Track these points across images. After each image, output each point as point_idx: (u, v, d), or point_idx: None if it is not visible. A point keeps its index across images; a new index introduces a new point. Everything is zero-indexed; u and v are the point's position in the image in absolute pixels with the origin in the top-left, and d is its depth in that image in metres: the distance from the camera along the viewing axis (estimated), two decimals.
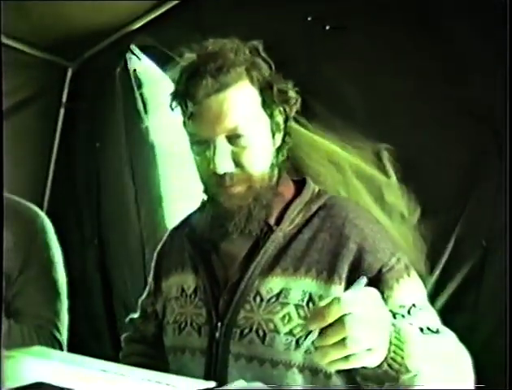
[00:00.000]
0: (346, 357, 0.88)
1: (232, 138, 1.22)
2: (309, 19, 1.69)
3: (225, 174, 1.23)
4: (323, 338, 0.88)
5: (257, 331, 1.21)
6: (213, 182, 1.26)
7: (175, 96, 1.29)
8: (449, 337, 1.16)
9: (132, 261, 2.42)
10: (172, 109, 1.30)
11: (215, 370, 1.24)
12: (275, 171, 1.31)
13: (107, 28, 2.37)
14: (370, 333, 0.89)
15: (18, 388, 0.77)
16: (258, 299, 1.23)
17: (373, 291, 0.96)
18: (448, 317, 1.25)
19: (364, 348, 0.89)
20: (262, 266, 1.26)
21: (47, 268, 1.70)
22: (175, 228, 1.52)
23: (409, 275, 1.21)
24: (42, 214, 1.78)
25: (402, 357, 0.96)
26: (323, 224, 1.27)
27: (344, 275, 1.19)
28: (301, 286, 1.21)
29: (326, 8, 1.66)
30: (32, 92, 2.55)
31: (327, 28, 1.65)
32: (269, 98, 1.26)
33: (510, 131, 1.24)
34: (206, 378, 1.23)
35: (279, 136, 1.31)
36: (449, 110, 1.47)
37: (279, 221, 1.29)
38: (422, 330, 1.14)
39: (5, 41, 2.38)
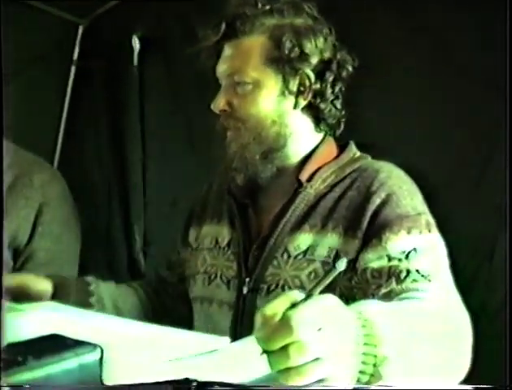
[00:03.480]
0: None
1: (240, 84, 1.27)
2: None
3: (222, 115, 1.30)
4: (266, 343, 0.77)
5: (283, 288, 1.23)
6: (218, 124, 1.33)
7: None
8: (434, 302, 1.08)
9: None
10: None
11: (242, 324, 1.26)
12: (288, 131, 1.31)
13: None
14: (321, 342, 0.76)
15: (31, 341, 0.77)
16: (285, 255, 1.26)
17: (330, 297, 0.84)
18: None
19: (311, 358, 0.76)
20: (292, 222, 1.28)
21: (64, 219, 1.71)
22: (216, 179, 1.52)
23: (429, 231, 1.20)
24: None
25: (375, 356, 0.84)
26: (353, 183, 1.28)
27: (364, 229, 1.20)
28: (327, 242, 1.23)
29: None
30: (44, 48, 2.52)
31: None
32: (284, 57, 1.27)
33: (510, 131, 1.25)
34: (232, 330, 1.26)
35: (301, 99, 1.30)
36: None
37: (311, 179, 1.30)
38: (409, 272, 1.12)
39: None
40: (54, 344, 0.75)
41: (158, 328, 1.09)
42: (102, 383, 0.75)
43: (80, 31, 2.60)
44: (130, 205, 2.50)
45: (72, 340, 0.77)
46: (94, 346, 0.75)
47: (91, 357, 0.74)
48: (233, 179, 1.33)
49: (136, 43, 2.44)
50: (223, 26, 1.30)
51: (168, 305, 1.53)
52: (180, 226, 1.55)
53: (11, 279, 1.27)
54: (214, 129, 1.35)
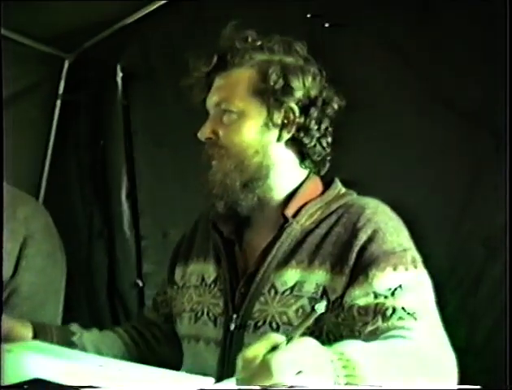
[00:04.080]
0: None
1: (226, 113, 1.31)
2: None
3: (207, 143, 1.33)
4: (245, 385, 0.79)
5: (270, 324, 1.22)
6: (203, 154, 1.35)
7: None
8: (419, 342, 1.07)
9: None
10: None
11: (229, 361, 1.25)
12: (270, 162, 1.32)
13: (105, 20, 2.36)
14: (300, 385, 0.78)
15: (16, 385, 0.76)
16: (272, 292, 1.25)
17: (309, 340, 0.85)
18: None
19: None
20: (279, 259, 1.28)
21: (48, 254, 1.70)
22: (202, 216, 1.52)
23: (415, 267, 1.21)
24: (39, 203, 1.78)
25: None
26: (340, 219, 1.28)
27: (351, 266, 1.20)
28: (314, 279, 1.23)
29: None
30: (29, 83, 2.54)
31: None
32: (269, 89, 1.30)
33: (510, 130, 1.25)
34: (220, 368, 1.26)
35: (284, 132, 1.32)
36: None
37: (296, 214, 1.31)
38: (395, 310, 1.13)
39: (2, 31, 2.37)
40: (39, 388, 0.75)
41: (143, 368, 1.08)
42: None
43: (66, 65, 2.61)
44: (115, 239, 2.50)
45: (55, 384, 0.76)
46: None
47: None
48: (214, 207, 1.33)
49: (120, 77, 2.46)
50: (215, 58, 1.34)
51: (154, 347, 1.52)
52: (169, 263, 1.54)
53: None
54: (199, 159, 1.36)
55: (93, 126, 2.56)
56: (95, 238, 2.53)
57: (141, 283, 2.40)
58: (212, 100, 1.35)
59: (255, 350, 0.79)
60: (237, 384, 0.79)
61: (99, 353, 1.40)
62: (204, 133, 1.33)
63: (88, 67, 2.57)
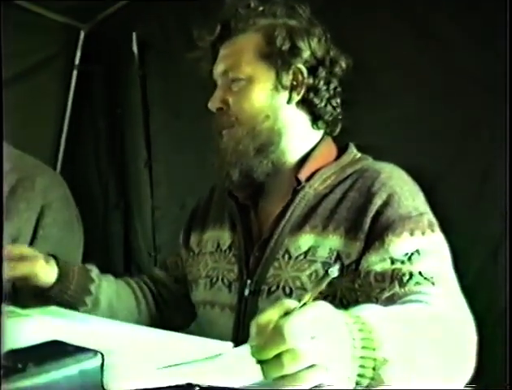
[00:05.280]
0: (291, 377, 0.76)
1: (235, 81, 1.30)
2: None
3: (217, 113, 1.33)
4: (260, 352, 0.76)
5: (283, 289, 1.22)
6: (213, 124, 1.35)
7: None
8: (437, 306, 1.05)
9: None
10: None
11: (244, 327, 1.25)
12: (282, 126, 1.31)
13: None
14: (315, 349, 0.75)
15: (31, 347, 0.76)
16: (286, 257, 1.25)
17: (323, 304, 0.82)
18: None
19: (306, 365, 0.75)
20: (292, 223, 1.27)
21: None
22: (217, 185, 1.52)
23: (432, 231, 1.19)
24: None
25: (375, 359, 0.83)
26: (354, 184, 1.27)
27: (366, 231, 1.19)
28: (328, 244, 1.22)
29: None
30: (46, 54, 2.54)
31: None
32: (276, 52, 1.29)
33: (510, 129, 1.24)
34: (234, 333, 1.27)
35: (294, 94, 1.31)
36: None
37: (310, 178, 1.30)
38: (412, 275, 1.11)
39: (19, 2, 2.37)
40: (55, 351, 0.74)
41: (160, 333, 1.08)
42: None
43: (82, 35, 2.60)
44: (132, 210, 2.50)
45: (73, 346, 0.76)
46: (95, 352, 0.74)
47: (92, 364, 0.73)
48: (228, 175, 1.32)
49: (136, 47, 2.45)
50: (219, 27, 1.34)
51: (162, 309, 1.53)
52: (184, 227, 1.54)
53: (21, 267, 1.26)
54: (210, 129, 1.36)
55: (110, 96, 2.56)
56: (111, 209, 2.55)
57: (153, 254, 2.41)
58: (219, 69, 1.34)
59: (268, 316, 0.78)
60: (251, 351, 0.78)
61: (111, 307, 1.41)
62: (214, 103, 1.32)
63: (104, 37, 2.56)
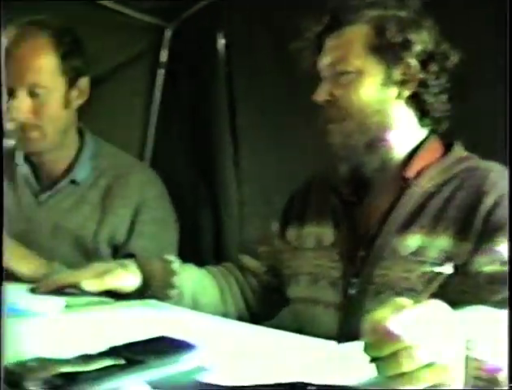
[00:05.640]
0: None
1: (343, 73, 1.28)
2: None
3: (324, 106, 1.31)
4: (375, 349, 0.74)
5: (392, 289, 1.20)
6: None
7: None
8: None
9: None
10: None
11: (349, 326, 1.24)
12: (391, 121, 1.29)
13: None
14: (431, 347, 0.73)
15: (146, 341, 0.78)
16: (394, 256, 1.22)
17: (438, 303, 0.81)
18: None
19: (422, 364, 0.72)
20: (399, 222, 1.25)
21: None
22: (316, 178, 1.51)
23: None
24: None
25: None
26: (463, 183, 1.24)
27: (477, 231, 1.16)
28: (437, 244, 1.19)
29: None
30: (132, 53, 2.58)
31: None
32: (387, 45, 1.27)
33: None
34: (339, 332, 1.25)
35: (404, 89, 1.29)
36: None
37: (417, 176, 1.27)
38: None
39: (105, 3, 2.42)
40: (168, 345, 0.76)
41: (264, 330, 1.09)
42: (216, 386, 0.75)
43: (168, 34, 2.64)
44: (220, 205, 2.52)
45: (184, 341, 0.77)
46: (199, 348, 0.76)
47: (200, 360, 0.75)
48: (336, 170, 1.32)
49: (221, 45, 2.47)
50: (327, 17, 1.32)
51: (248, 298, 1.52)
52: (278, 219, 1.53)
53: (105, 284, 1.29)
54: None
55: (196, 94, 2.58)
56: (201, 205, 2.57)
57: None
58: (325, 61, 1.32)
59: (382, 313, 0.77)
60: (365, 348, 0.77)
61: (195, 298, 1.42)
62: (321, 96, 1.31)
63: (189, 35, 2.58)
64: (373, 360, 0.75)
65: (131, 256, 1.42)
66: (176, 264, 1.44)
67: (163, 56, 2.64)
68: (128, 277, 1.34)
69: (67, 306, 1.21)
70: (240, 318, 1.46)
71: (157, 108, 2.67)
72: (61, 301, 1.21)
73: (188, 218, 2.49)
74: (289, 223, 1.49)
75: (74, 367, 0.65)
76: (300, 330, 1.31)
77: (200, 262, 2.11)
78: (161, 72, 2.65)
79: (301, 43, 1.37)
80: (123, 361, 0.68)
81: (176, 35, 2.64)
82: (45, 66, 1.60)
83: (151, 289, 1.36)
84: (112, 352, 0.71)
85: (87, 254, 1.68)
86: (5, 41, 1.59)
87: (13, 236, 1.54)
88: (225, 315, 1.44)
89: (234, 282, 1.52)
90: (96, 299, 1.30)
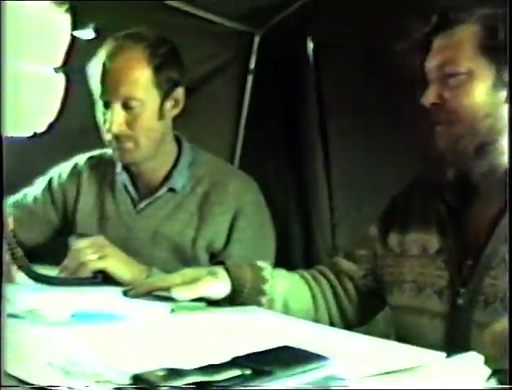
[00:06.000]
0: None
1: (452, 75, 1.25)
2: None
3: (431, 109, 1.28)
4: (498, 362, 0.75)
5: (501, 301, 1.16)
6: None
7: None
8: None
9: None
10: None
11: (456, 337, 1.21)
12: (501, 125, 1.24)
13: None
14: None
15: (263, 352, 0.77)
16: (503, 266, 1.18)
17: None
18: None
19: None
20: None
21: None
22: (417, 182, 1.48)
23: None
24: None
25: None
26: None
27: None
28: None
29: None
30: (222, 59, 2.61)
31: None
32: (499, 46, 1.22)
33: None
34: (446, 343, 1.22)
35: None
36: None
37: None
38: None
39: (195, 11, 2.46)
40: (293, 356, 0.75)
41: (372, 339, 1.07)
42: None
43: (256, 40, 2.66)
44: (310, 211, 2.52)
45: (307, 351, 0.77)
46: (325, 358, 0.75)
47: (326, 370, 0.74)
48: (442, 175, 1.29)
49: (311, 49, 2.47)
50: (435, 17, 1.29)
51: (342, 302, 1.48)
52: (377, 223, 1.50)
53: (196, 291, 1.29)
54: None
55: (285, 99, 2.59)
56: (290, 211, 2.57)
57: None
58: (434, 62, 1.29)
59: (504, 325, 0.75)
60: (486, 361, 0.75)
61: (286, 304, 1.41)
62: (429, 98, 1.27)
63: (278, 40, 2.59)
64: (494, 372, 0.73)
65: (221, 263, 1.42)
66: (268, 270, 1.43)
67: (252, 62, 2.66)
68: (217, 285, 1.33)
69: (172, 310, 1.22)
70: (332, 324, 1.44)
71: (245, 115, 2.69)
72: (167, 305, 1.23)
73: (278, 223, 2.50)
74: (390, 228, 1.45)
75: (203, 377, 0.66)
76: (400, 338, 1.30)
77: (291, 267, 2.11)
78: (249, 79, 2.67)
79: (407, 43, 1.34)
80: (249, 372, 0.68)
81: (264, 41, 2.66)
82: (140, 79, 1.62)
83: (242, 296, 1.36)
84: (236, 362, 0.71)
85: (185, 261, 1.69)
86: (102, 55, 1.63)
87: (112, 242, 1.57)
88: (317, 320, 1.42)
89: (328, 286, 1.50)
90: (201, 304, 1.31)
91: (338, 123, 2.43)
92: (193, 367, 0.69)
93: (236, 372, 0.68)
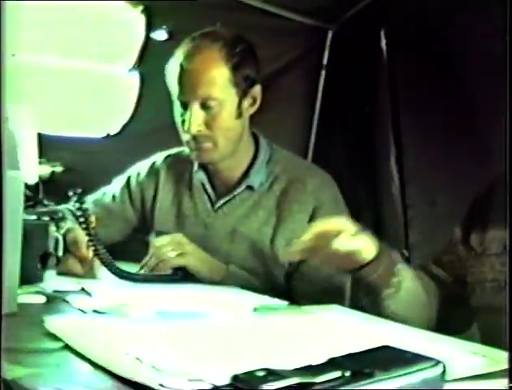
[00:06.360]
0: None
1: None
2: None
3: None
4: None
5: None
6: None
7: None
8: None
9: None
10: None
11: None
12: None
13: None
14: None
15: (361, 353, 0.75)
16: None
17: None
18: None
19: None
20: None
21: None
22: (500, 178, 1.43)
23: None
24: None
25: None
26: None
27: None
28: None
29: None
30: (295, 55, 2.60)
31: None
32: None
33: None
34: None
35: None
36: None
37: None
38: None
39: (267, 8, 2.46)
40: (393, 357, 0.73)
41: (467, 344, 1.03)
42: None
43: (330, 35, 2.63)
44: (382, 207, 2.48)
45: (409, 352, 0.74)
46: (436, 361, 0.72)
47: (433, 372, 0.71)
48: None
49: (384, 44, 2.43)
50: None
51: (440, 306, 1.43)
52: (460, 225, 1.46)
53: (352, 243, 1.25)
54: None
55: (358, 93, 2.56)
56: (362, 207, 2.54)
57: (407, 254, 2.36)
58: None
59: None
60: None
61: (409, 293, 1.35)
62: None
63: (351, 35, 2.57)
64: None
65: None
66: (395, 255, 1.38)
67: (324, 58, 2.64)
68: (370, 245, 1.29)
69: (255, 309, 1.22)
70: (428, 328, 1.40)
71: (318, 111, 2.67)
72: (250, 304, 1.23)
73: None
74: (472, 226, 1.42)
75: (303, 379, 0.64)
76: (484, 339, 1.26)
77: None
78: (322, 74, 2.65)
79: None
80: (348, 373, 0.66)
81: (337, 36, 2.63)
82: (218, 78, 1.62)
83: (377, 272, 1.29)
84: (335, 363, 0.69)
85: (263, 258, 1.69)
86: (179, 56, 1.63)
87: (190, 240, 1.58)
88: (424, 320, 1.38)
89: (433, 288, 1.45)
90: (283, 304, 1.30)
91: (411, 118, 2.38)
92: (291, 368, 0.68)
93: (336, 374, 0.66)
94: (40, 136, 1.41)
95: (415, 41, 2.35)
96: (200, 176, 1.77)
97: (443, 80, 2.20)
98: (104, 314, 1.11)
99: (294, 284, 1.68)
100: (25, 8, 2.13)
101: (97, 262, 1.45)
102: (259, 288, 1.57)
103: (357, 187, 2.57)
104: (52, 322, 0.97)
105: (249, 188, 1.72)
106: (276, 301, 1.34)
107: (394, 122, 2.42)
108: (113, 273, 1.43)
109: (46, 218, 1.36)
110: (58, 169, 1.42)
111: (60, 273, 1.43)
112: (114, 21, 2.47)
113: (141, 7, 2.37)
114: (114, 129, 2.50)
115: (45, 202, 1.40)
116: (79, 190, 1.42)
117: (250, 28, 2.09)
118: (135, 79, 2.50)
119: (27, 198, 1.20)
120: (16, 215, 1.08)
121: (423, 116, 2.33)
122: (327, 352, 0.75)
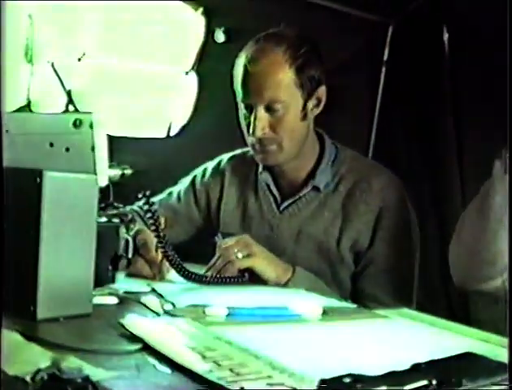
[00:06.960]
0: None
1: None
2: None
3: None
4: None
5: None
6: None
7: None
8: None
9: None
10: None
11: None
12: None
13: None
14: None
15: (444, 359, 0.74)
16: None
17: None
18: None
19: None
20: None
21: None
22: None
23: None
24: None
25: None
26: None
27: None
28: None
29: None
30: (355, 52, 2.57)
31: None
32: None
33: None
34: None
35: None
36: None
37: None
38: None
39: (328, 4, 2.44)
40: (478, 364, 0.72)
41: None
42: None
43: (390, 30, 2.60)
44: (444, 206, 2.43)
45: (495, 361, 0.73)
46: None
47: None
48: None
49: (446, 38, 2.39)
50: None
51: None
52: None
53: None
54: None
55: (419, 89, 2.52)
56: (425, 207, 2.49)
57: None
58: None
59: None
60: None
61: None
62: None
63: (412, 30, 2.53)
64: None
65: None
66: None
67: (385, 54, 2.60)
68: None
69: (324, 313, 1.21)
70: None
71: (379, 106, 2.64)
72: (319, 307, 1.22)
73: None
74: None
75: (390, 386, 0.64)
76: None
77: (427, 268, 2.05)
78: (382, 71, 2.61)
79: None
80: (435, 382, 0.65)
81: (398, 31, 2.60)
82: (283, 81, 1.61)
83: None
84: (419, 370, 0.68)
85: (330, 260, 1.68)
86: (243, 58, 1.63)
87: (256, 241, 1.58)
88: None
89: None
90: (352, 307, 1.29)
91: (470, 114, 2.33)
92: (375, 374, 0.67)
93: (422, 382, 0.65)
94: (110, 138, 1.43)
95: (478, 35, 2.29)
96: (265, 177, 1.77)
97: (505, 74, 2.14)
98: (177, 316, 1.12)
99: (361, 286, 1.67)
100: (85, 9, 2.18)
101: (166, 264, 1.46)
102: (325, 290, 1.57)
103: (421, 185, 2.53)
104: (132, 324, 0.97)
105: (315, 188, 1.71)
106: (345, 304, 1.33)
107: (456, 118, 2.37)
108: (182, 275, 1.44)
109: (117, 221, 1.37)
110: (128, 171, 1.43)
111: (129, 275, 1.45)
112: (175, 22, 2.49)
113: (201, 9, 2.38)
114: (173, 130, 2.53)
115: (116, 204, 1.42)
116: (148, 192, 1.43)
117: (312, 26, 2.08)
118: (193, 80, 2.52)
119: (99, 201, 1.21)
120: (90, 218, 1.10)
121: (486, 111, 2.27)
122: (407, 357, 0.74)
